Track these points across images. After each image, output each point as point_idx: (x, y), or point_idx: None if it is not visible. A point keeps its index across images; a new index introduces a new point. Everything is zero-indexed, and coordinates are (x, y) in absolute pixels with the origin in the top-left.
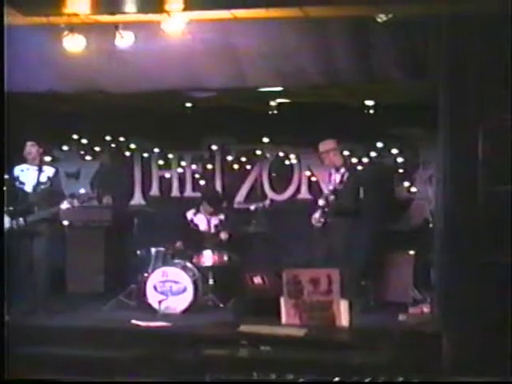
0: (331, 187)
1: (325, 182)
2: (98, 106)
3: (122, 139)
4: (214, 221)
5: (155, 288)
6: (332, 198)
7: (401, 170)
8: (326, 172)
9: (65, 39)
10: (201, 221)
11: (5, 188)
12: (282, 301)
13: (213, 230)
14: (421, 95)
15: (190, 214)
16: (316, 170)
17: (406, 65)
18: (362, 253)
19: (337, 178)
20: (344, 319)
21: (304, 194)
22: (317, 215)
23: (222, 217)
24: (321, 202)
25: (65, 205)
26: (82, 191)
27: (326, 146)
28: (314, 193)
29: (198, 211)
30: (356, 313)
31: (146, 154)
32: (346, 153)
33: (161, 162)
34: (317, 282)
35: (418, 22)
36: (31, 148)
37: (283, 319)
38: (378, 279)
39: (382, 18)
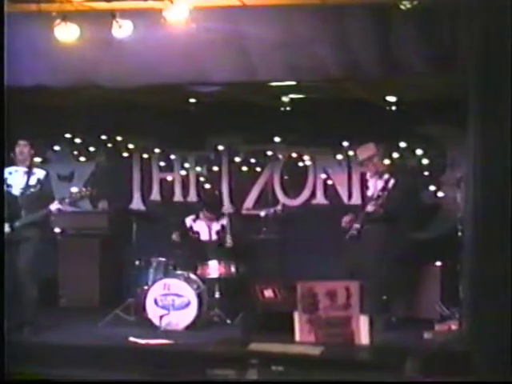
0: (370, 193)
1: (357, 187)
2: (92, 101)
3: (119, 138)
4: (216, 227)
5: (156, 302)
6: (372, 204)
7: (426, 173)
8: (344, 175)
9: (56, 28)
10: (201, 228)
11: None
12: (296, 316)
13: (214, 237)
14: (448, 90)
15: (189, 220)
16: (332, 173)
17: (433, 57)
18: (384, 264)
19: (378, 184)
20: (364, 337)
21: (319, 198)
22: (353, 223)
23: (224, 222)
24: (357, 209)
25: (55, 205)
26: (74, 189)
27: (368, 151)
28: (331, 198)
29: (197, 217)
30: (377, 330)
31: (145, 155)
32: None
33: (162, 164)
34: (334, 295)
35: (446, 9)
36: (23, 148)
37: (297, 336)
38: (401, 293)
39: (405, 4)
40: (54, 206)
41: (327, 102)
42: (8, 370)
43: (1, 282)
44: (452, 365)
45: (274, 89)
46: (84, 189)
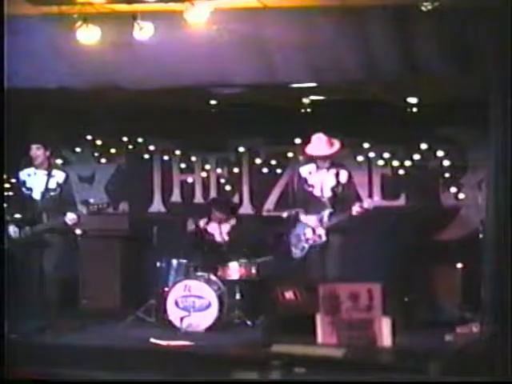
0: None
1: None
2: (113, 103)
3: (140, 140)
4: (226, 228)
5: (176, 303)
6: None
7: (447, 175)
8: (364, 177)
9: (78, 30)
10: (214, 229)
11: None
12: (318, 318)
13: (226, 238)
14: (470, 91)
15: (202, 223)
16: (354, 173)
17: (454, 58)
18: (404, 266)
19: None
20: (386, 339)
21: None
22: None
23: (233, 222)
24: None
25: (72, 217)
26: (92, 200)
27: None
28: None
29: (209, 219)
30: (399, 332)
31: (166, 157)
32: (386, 155)
33: (183, 166)
34: (356, 297)
35: (467, 10)
36: (37, 151)
37: (319, 338)
38: (422, 295)
39: (426, 6)
40: (73, 216)
41: (348, 104)
42: (29, 371)
43: (1, 281)
44: (474, 367)
45: (295, 90)
46: (104, 197)
